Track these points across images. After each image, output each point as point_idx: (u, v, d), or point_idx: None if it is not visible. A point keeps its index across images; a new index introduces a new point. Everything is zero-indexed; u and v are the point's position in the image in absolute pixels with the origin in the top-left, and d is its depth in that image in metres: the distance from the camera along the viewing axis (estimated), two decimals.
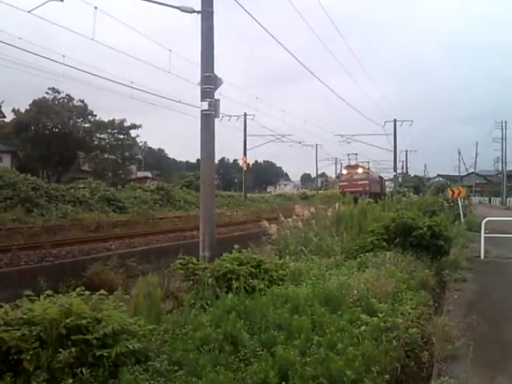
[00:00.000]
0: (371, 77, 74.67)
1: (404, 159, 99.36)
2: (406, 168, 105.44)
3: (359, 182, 65.61)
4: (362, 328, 7.11)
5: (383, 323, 7.34)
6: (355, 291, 8.90)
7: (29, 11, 16.58)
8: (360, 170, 68.79)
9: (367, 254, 12.80)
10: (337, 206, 18.14)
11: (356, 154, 75.34)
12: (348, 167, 73.05)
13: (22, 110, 68.75)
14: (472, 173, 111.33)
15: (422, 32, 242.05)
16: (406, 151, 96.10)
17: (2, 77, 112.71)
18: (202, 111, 13.65)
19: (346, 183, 66.86)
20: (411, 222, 14.28)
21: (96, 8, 21.15)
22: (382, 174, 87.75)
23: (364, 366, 5.86)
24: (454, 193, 32.45)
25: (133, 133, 77.29)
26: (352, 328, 7.07)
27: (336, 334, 6.69)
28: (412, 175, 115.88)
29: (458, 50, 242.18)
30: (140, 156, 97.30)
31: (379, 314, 7.66)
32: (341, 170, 76.03)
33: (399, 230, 14.19)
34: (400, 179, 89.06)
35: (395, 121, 64.81)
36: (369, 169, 77.30)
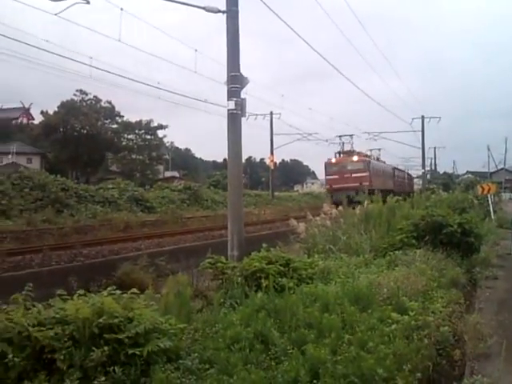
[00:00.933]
0: (397, 73, 73.26)
1: (432, 156, 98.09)
2: (435, 165, 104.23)
3: (354, 175, 47.73)
4: (393, 326, 7.07)
5: (414, 321, 7.30)
6: (385, 289, 8.84)
7: (55, 14, 16.73)
8: (355, 158, 50.06)
9: (396, 252, 12.69)
10: (365, 203, 18.03)
11: (351, 136, 55.42)
12: (339, 154, 53.56)
13: (51, 112, 69.73)
14: (501, 169, 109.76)
15: (446, 31, 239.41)
16: (435, 148, 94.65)
17: (30, 79, 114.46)
18: (228, 110, 13.71)
19: (335, 177, 48.98)
20: (441, 219, 14.14)
21: (122, 9, 21.34)
22: (410, 171, 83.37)
23: (395, 365, 5.82)
24: (483, 189, 32.02)
25: (160, 133, 77.95)
26: (383, 326, 7.04)
27: (367, 332, 6.67)
28: (441, 172, 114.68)
29: (484, 47, 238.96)
30: (167, 156, 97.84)
31: (410, 313, 7.63)
32: (329, 160, 52.53)
33: (429, 227, 14.06)
34: (429, 176, 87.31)
35: (423, 117, 64.30)
36: (378, 158, 61.02)
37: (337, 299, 8.01)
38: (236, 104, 13.51)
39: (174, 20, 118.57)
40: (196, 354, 5.91)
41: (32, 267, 14.71)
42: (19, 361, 5.21)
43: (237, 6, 13.83)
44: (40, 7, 20.75)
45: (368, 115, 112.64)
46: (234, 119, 13.71)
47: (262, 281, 8.83)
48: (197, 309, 8.41)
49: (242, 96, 13.90)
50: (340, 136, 55.80)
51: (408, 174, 78.70)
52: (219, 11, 13.91)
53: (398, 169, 69.79)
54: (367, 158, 52.29)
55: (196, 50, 27.20)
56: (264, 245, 10.70)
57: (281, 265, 9.55)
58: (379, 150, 63.81)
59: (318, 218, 16.15)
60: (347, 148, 54.20)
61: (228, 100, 13.66)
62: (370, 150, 60.60)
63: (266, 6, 16.01)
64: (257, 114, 60.43)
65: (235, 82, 13.62)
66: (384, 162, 63.21)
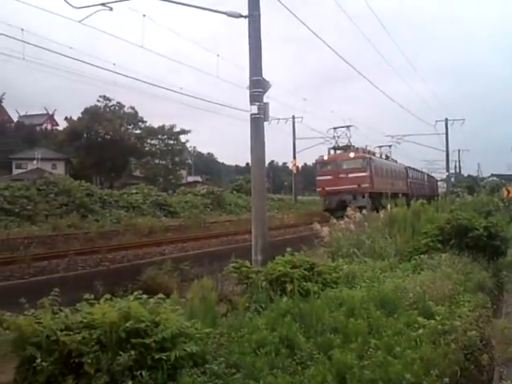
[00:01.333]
0: (421, 77, 71.93)
1: (457, 159, 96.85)
2: (459, 168, 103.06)
3: (351, 176, 40.91)
4: (420, 331, 7.02)
5: (441, 326, 7.24)
6: (411, 294, 8.79)
7: (79, 21, 16.87)
8: (352, 155, 42.88)
9: (422, 255, 12.60)
10: (389, 207, 17.94)
11: (349, 128, 46.90)
12: (334, 150, 46.99)
13: (75, 118, 70.49)
14: None
15: (470, 34, 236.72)
16: (459, 151, 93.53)
17: (54, 86, 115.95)
18: (251, 115, 13.71)
19: (328, 178, 42.24)
20: (467, 222, 14.02)
21: (144, 16, 21.47)
22: (434, 174, 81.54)
23: (423, 370, 5.78)
24: (509, 192, 31.71)
25: (182, 138, 78.30)
26: (409, 331, 7.00)
27: (393, 337, 6.63)
28: (465, 175, 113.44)
29: (508, 51, 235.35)
30: (190, 161, 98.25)
31: (436, 317, 7.57)
32: (321, 157, 45.51)
33: (454, 231, 13.94)
34: (453, 179, 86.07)
35: (446, 120, 63.67)
36: (387, 156, 54.82)
37: (362, 303, 7.98)
38: (259, 108, 13.51)
39: (196, 25, 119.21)
40: (222, 359, 5.92)
41: (58, 272, 14.81)
42: (47, 365, 5.27)
43: (258, 10, 13.84)
44: (64, 14, 20.93)
45: (391, 119, 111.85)
46: (257, 123, 13.72)
47: (287, 285, 8.82)
48: (221, 313, 8.42)
49: (265, 100, 13.92)
50: (335, 128, 47.67)
51: (430, 176, 75.44)
52: (241, 16, 13.93)
53: (414, 169, 63.66)
54: (367, 155, 44.14)
55: (218, 55, 27.26)
56: (288, 249, 10.67)
57: (305, 269, 9.53)
58: (390, 146, 57.94)
59: (341, 222, 16.10)
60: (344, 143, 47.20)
61: (251, 104, 13.67)
62: (380, 147, 55.43)
63: (289, 10, 16.09)
64: (279, 118, 60.10)
65: (258, 86, 13.62)
66: (395, 161, 57.32)
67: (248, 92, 13.81)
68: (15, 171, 70.68)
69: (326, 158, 44.44)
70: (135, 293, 6.32)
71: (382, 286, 9.36)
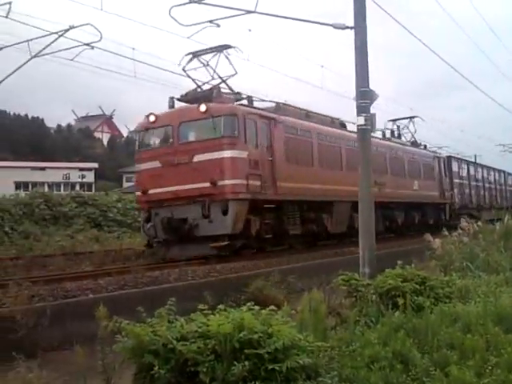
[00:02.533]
0: None
1: None
2: None
3: (199, 159, 17.95)
4: None
5: None
6: None
7: (187, 37, 17.42)
8: (204, 108, 17.70)
9: None
10: (506, 219, 17.22)
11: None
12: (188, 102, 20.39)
13: None
14: None
15: None
16: None
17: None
18: (358, 126, 13.59)
19: (153, 166, 19.11)
20: None
21: (250, 30, 21.81)
22: None
23: None
24: None
25: None
26: None
27: None
28: None
29: None
30: None
31: None
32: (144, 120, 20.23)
33: None
34: None
35: None
36: (399, 135, 36.27)
37: (478, 319, 7.68)
38: (366, 119, 13.36)
39: (300, 37, 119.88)
40: (335, 372, 5.86)
41: (169, 282, 15.19)
42: (164, 372, 5.40)
43: (365, 22, 13.70)
44: (174, 31, 21.69)
45: (502, 127, 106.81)
46: (364, 134, 13.60)
47: (398, 299, 8.64)
48: (331, 326, 8.37)
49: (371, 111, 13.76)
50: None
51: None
52: (347, 27, 13.87)
53: (471, 163, 44.14)
54: (243, 108, 19.92)
55: (322, 66, 27.18)
56: (399, 262, 10.46)
57: (416, 283, 9.29)
58: (411, 119, 37.14)
59: (454, 234, 15.64)
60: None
61: (357, 116, 13.55)
62: (393, 121, 36.40)
63: (396, 21, 15.91)
64: (385, 129, 58.69)
65: (364, 97, 13.48)
66: (423, 147, 37.18)
67: (354, 103, 13.72)
68: (125, 184, 73.56)
69: (152, 119, 20.12)
70: (248, 304, 6.38)
71: (499, 301, 8.98)
